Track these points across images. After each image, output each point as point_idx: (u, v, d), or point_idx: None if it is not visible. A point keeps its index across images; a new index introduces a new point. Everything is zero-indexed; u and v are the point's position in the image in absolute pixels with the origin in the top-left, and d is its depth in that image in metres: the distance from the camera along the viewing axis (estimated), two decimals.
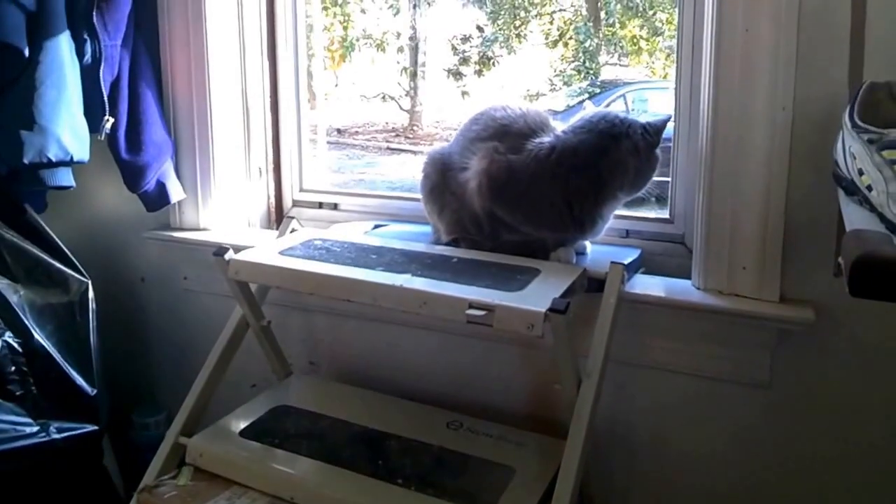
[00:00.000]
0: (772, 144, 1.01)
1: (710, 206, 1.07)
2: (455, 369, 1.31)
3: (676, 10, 1.20)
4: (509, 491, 0.99)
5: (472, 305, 0.93)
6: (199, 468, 1.10)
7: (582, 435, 0.95)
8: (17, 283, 1.31)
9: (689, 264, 1.13)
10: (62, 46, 1.25)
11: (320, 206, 1.55)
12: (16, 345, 1.25)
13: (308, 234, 1.27)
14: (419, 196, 1.24)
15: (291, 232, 1.29)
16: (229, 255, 1.14)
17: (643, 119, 1.09)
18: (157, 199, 1.43)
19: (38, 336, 1.28)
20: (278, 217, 1.57)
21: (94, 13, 1.27)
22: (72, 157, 1.25)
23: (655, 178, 1.11)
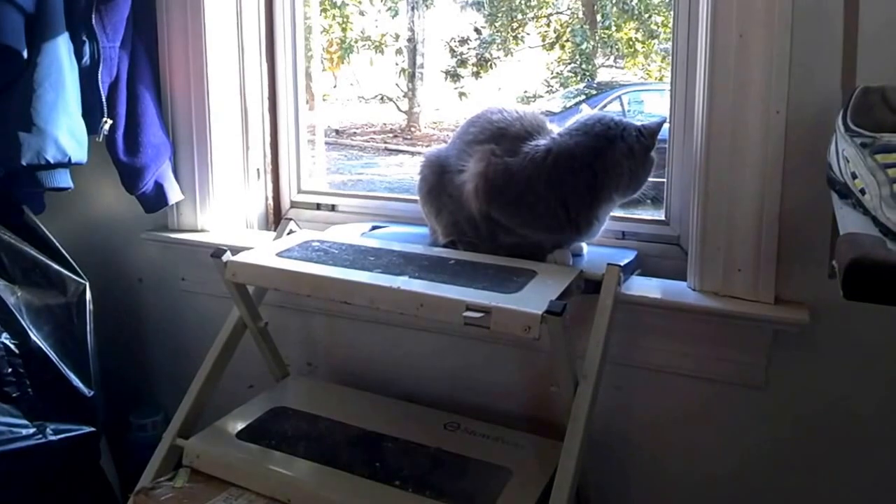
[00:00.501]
0: (766, 147, 1.02)
1: (706, 207, 1.07)
2: (452, 371, 1.31)
3: (671, 13, 1.20)
4: (506, 492, 0.99)
5: (469, 307, 0.94)
6: (196, 470, 1.10)
7: (579, 436, 0.95)
8: (15, 284, 1.31)
9: (684, 266, 1.14)
10: (61, 48, 1.25)
11: (318, 207, 1.55)
12: (13, 346, 1.25)
13: (306, 236, 1.27)
14: (417, 197, 1.25)
15: (289, 233, 1.29)
16: (226, 256, 1.14)
17: (638, 121, 1.10)
18: (156, 201, 1.43)
19: (35, 337, 1.28)
20: (276, 218, 1.57)
21: (93, 15, 1.28)
22: (70, 159, 1.25)
23: (651, 180, 1.12)
